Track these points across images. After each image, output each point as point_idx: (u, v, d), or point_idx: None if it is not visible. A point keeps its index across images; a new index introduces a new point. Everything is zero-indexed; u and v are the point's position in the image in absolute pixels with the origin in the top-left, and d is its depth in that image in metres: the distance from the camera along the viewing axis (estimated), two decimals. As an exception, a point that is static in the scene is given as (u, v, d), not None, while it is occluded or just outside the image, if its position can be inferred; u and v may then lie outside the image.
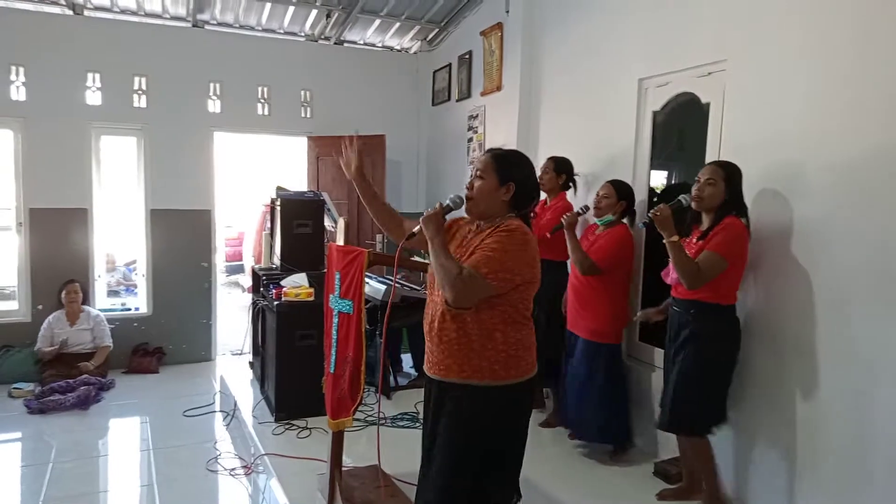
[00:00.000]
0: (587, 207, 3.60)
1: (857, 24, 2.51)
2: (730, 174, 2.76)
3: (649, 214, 2.73)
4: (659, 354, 3.48)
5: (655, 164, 3.70)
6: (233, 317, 7.05)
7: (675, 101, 3.51)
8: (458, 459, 1.98)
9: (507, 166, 2.05)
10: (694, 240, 2.85)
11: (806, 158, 2.70)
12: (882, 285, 2.42)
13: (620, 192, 3.45)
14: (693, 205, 2.82)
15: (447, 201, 2.06)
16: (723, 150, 3.10)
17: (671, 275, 2.87)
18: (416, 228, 2.05)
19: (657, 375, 3.45)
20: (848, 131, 2.54)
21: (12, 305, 5.37)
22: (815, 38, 2.67)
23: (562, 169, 3.86)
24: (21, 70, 5.04)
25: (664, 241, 2.71)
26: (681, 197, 2.85)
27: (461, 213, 2.13)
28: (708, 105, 3.25)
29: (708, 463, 2.92)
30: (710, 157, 3.22)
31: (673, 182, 3.85)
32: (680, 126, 3.58)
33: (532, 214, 2.19)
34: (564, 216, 3.47)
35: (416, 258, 3.87)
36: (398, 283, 4.55)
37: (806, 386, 2.71)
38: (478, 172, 2.06)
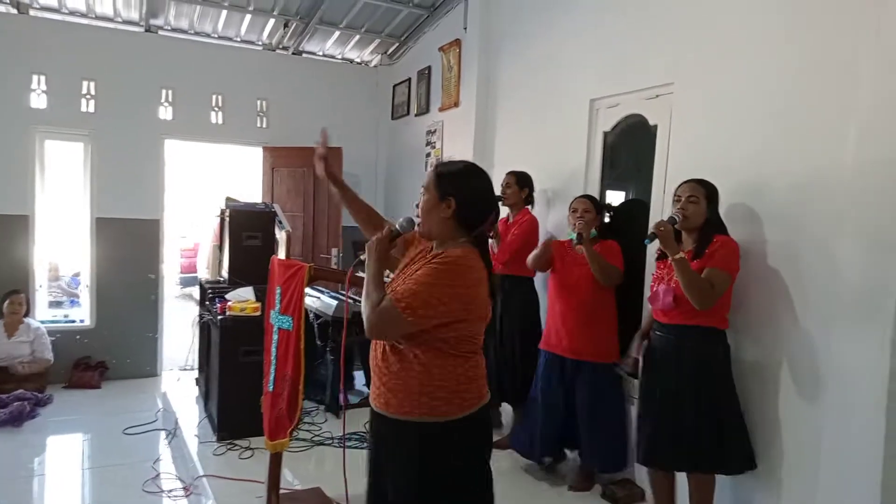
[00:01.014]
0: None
1: (804, 50, 2.57)
2: (710, 192, 2.70)
3: (652, 231, 2.63)
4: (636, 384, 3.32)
5: (607, 183, 3.72)
6: (185, 331, 6.84)
7: (625, 122, 3.55)
8: (416, 496, 1.84)
9: (447, 179, 1.86)
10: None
11: (756, 181, 2.73)
12: (857, 309, 2.39)
13: (597, 205, 3.38)
14: (678, 225, 2.70)
15: (396, 225, 1.92)
16: (669, 171, 3.14)
17: (663, 299, 2.70)
18: (363, 255, 1.92)
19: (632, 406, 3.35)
20: (798, 153, 2.58)
21: (-55, 316, 5.12)
22: (761, 63, 2.73)
23: (524, 183, 3.81)
24: (-40, 70, 4.85)
25: (670, 258, 2.59)
26: (673, 213, 2.72)
27: None
28: (655, 127, 3.29)
29: (710, 499, 2.73)
30: (657, 178, 3.26)
31: (624, 200, 3.88)
32: (630, 147, 3.62)
33: (491, 234, 2.01)
34: (578, 228, 3.27)
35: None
36: (350, 298, 4.48)
37: (791, 414, 2.65)
38: (422, 189, 1.90)
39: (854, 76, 2.37)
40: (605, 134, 3.65)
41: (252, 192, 6.08)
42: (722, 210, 2.78)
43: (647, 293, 3.19)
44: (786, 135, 2.63)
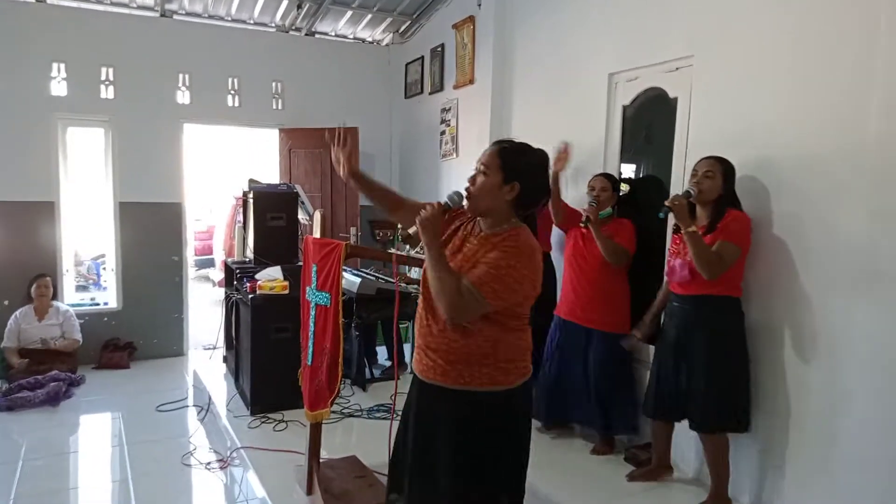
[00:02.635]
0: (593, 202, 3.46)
1: (824, 23, 2.60)
2: (727, 168, 2.79)
3: (666, 204, 2.72)
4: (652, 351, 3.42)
5: (625, 157, 3.77)
6: (203, 311, 6.98)
7: (644, 95, 3.59)
8: (467, 466, 1.91)
9: (514, 162, 1.86)
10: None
11: (773, 154, 2.79)
12: (858, 278, 2.49)
13: (614, 184, 3.48)
14: (693, 199, 2.81)
15: (445, 199, 1.94)
16: (690, 144, 3.19)
17: (679, 272, 2.83)
18: (413, 230, 1.93)
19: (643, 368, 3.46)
20: (814, 127, 2.63)
21: (-24, 301, 5.25)
22: (782, 35, 2.76)
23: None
24: (-18, 60, 4.92)
25: (682, 231, 2.70)
26: (689, 188, 2.82)
27: None
28: (675, 100, 3.33)
29: (725, 461, 2.86)
30: (677, 152, 3.31)
31: (641, 175, 3.93)
32: (649, 120, 3.66)
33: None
34: (586, 209, 3.41)
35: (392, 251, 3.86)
36: (373, 275, 4.57)
37: (799, 380, 2.74)
38: (481, 167, 1.88)
39: (873, 49, 2.41)
40: (625, 108, 3.69)
41: (268, 174, 6.14)
42: (738, 181, 2.85)
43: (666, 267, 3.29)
44: (804, 108, 2.68)
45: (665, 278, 3.11)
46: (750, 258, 2.83)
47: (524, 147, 1.94)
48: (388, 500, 2.14)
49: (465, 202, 1.95)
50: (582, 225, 3.41)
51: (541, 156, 1.99)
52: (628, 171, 3.86)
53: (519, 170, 1.86)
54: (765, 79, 2.83)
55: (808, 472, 2.70)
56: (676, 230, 2.91)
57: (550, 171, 3.42)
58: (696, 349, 2.82)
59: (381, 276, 4.64)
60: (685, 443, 3.15)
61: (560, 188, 3.69)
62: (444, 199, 1.97)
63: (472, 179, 1.90)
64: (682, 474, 3.21)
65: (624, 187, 3.69)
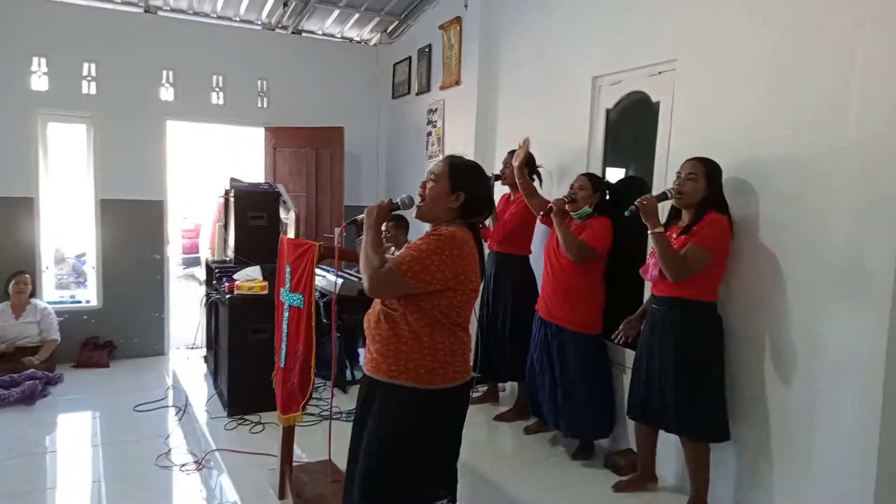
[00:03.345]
0: (567, 198, 3.44)
1: (805, 25, 2.59)
2: (710, 170, 2.74)
3: (636, 203, 2.70)
4: (627, 355, 3.42)
5: (609, 160, 3.75)
6: (189, 310, 6.92)
7: (627, 99, 3.57)
8: (383, 451, 2.01)
9: (462, 176, 2.07)
10: (674, 235, 2.81)
11: (756, 157, 2.76)
12: (842, 285, 2.46)
13: (596, 184, 3.43)
14: (673, 200, 2.79)
15: (397, 199, 2.11)
16: (672, 147, 3.18)
17: (651, 271, 2.82)
18: (360, 217, 2.11)
19: (624, 374, 3.43)
20: (798, 129, 2.60)
21: (-47, 297, 5.18)
22: (765, 39, 2.74)
23: (525, 162, 3.85)
24: (-39, 52, 4.85)
25: (649, 231, 2.68)
26: (667, 189, 2.79)
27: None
28: (658, 104, 3.32)
29: (705, 469, 2.81)
30: (659, 156, 3.29)
31: (629, 176, 3.91)
32: (632, 124, 3.64)
33: (480, 226, 2.20)
34: (553, 200, 3.38)
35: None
36: (354, 276, 4.54)
37: (780, 388, 2.71)
38: (432, 176, 2.08)
39: (853, 54, 2.40)
40: (608, 111, 3.67)
41: (253, 172, 6.11)
42: (728, 187, 2.81)
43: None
44: (786, 112, 2.66)
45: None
46: (732, 263, 2.80)
47: (471, 163, 2.16)
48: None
49: (415, 207, 2.11)
50: (542, 213, 3.45)
51: (484, 175, 2.19)
52: (613, 174, 3.84)
53: (465, 183, 2.06)
54: (747, 83, 2.81)
55: (789, 481, 2.68)
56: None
57: (514, 166, 3.60)
58: (665, 352, 2.80)
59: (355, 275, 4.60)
60: (665, 449, 3.12)
61: (527, 181, 3.66)
62: (397, 198, 2.14)
63: (423, 185, 2.10)
64: (664, 482, 3.16)
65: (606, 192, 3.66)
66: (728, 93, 2.90)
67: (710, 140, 2.94)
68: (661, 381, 2.83)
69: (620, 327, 3.16)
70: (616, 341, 3.18)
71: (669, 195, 2.77)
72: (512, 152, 3.87)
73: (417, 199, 2.11)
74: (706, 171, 2.74)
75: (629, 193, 3.63)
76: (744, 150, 2.82)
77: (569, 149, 3.88)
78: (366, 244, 2.00)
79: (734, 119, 2.87)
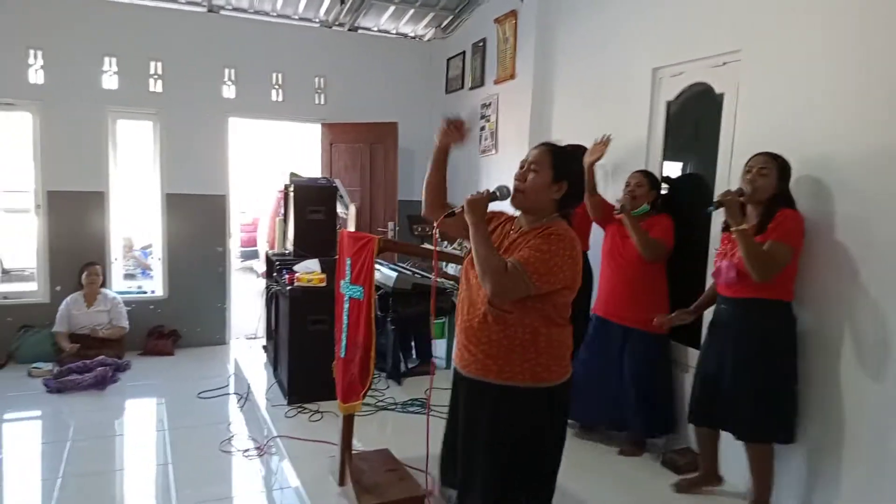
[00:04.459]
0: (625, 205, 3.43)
1: (875, 18, 2.49)
2: (782, 166, 2.66)
3: (716, 200, 2.63)
4: (691, 354, 3.39)
5: (668, 154, 3.68)
6: (247, 301, 7.13)
7: (690, 91, 3.50)
8: (502, 464, 1.95)
9: (565, 163, 1.99)
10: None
11: (829, 152, 2.67)
12: None
13: (652, 181, 3.41)
14: (744, 197, 2.68)
15: (494, 190, 2.00)
16: (736, 141, 3.10)
17: (726, 273, 2.70)
18: (458, 208, 2.00)
19: (686, 374, 3.39)
20: (867, 126, 2.51)
21: (31, 287, 5.48)
22: (833, 30, 2.65)
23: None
24: (39, 53, 5.09)
25: (733, 229, 2.59)
26: (741, 185, 2.70)
27: (501, 206, 2.08)
28: (722, 96, 3.24)
29: (770, 471, 2.76)
30: (723, 149, 3.21)
31: (687, 173, 3.83)
32: (694, 116, 3.57)
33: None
34: (621, 203, 3.37)
35: (425, 246, 3.86)
36: (409, 269, 4.58)
37: (854, 388, 2.62)
38: (532, 165, 1.98)
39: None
40: (668, 104, 3.60)
41: (308, 167, 6.23)
42: (791, 182, 2.72)
43: (708, 267, 3.20)
44: (859, 105, 2.55)
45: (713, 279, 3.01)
46: (805, 261, 2.71)
47: (572, 151, 2.11)
48: (444, 496, 2.20)
49: (512, 196, 2.01)
50: (616, 213, 3.37)
51: (581, 162, 2.12)
52: (672, 169, 3.77)
53: (568, 170, 1.98)
54: (819, 73, 2.71)
55: (858, 482, 2.59)
56: (725, 229, 2.78)
57: (587, 162, 3.46)
58: (740, 354, 2.71)
59: (417, 270, 4.64)
60: (730, 449, 3.03)
61: (596, 182, 3.63)
62: (493, 188, 2.02)
63: (522, 176, 1.99)
64: (731, 486, 3.07)
65: (664, 186, 3.60)
66: (797, 83, 2.81)
67: (779, 133, 2.85)
68: (729, 381, 2.74)
69: (672, 314, 3.12)
70: (656, 322, 3.15)
71: (745, 190, 2.67)
72: (572, 146, 3.84)
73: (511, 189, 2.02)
74: (778, 167, 2.65)
75: (688, 191, 3.58)
76: (815, 144, 2.72)
77: (626, 143, 3.82)
78: (477, 243, 1.89)
79: (804, 111, 2.77)
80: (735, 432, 2.79)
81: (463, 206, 1.96)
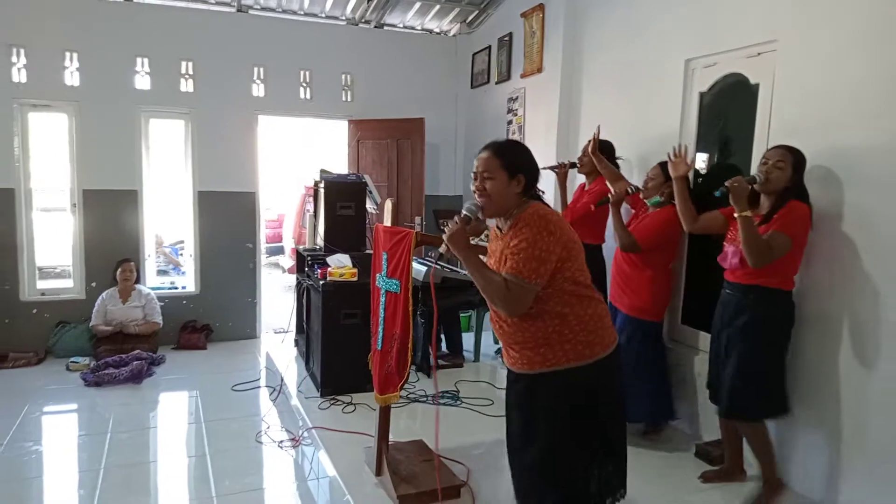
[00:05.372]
0: (637, 188, 3.53)
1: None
2: (798, 160, 2.72)
3: (726, 185, 2.68)
4: (703, 338, 3.48)
5: (701, 146, 3.66)
6: (273, 296, 7.22)
7: (723, 81, 3.46)
8: (560, 445, 1.98)
9: (513, 158, 2.02)
10: (755, 223, 2.76)
11: (860, 144, 2.66)
12: None
13: (668, 173, 3.40)
14: (757, 186, 2.76)
15: (464, 212, 2.04)
16: (772, 132, 3.06)
17: (730, 259, 2.82)
18: (443, 248, 2.06)
19: (700, 359, 3.44)
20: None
21: (68, 283, 5.60)
22: (870, 21, 2.61)
23: (602, 151, 3.79)
24: (75, 56, 5.20)
25: (736, 214, 2.66)
26: (756, 174, 2.76)
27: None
28: (757, 86, 3.21)
29: (766, 447, 2.87)
30: (758, 140, 3.18)
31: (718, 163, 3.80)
32: (727, 108, 3.53)
33: (541, 192, 2.14)
34: (611, 193, 3.48)
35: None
36: (439, 265, 4.60)
37: (857, 373, 2.69)
38: (485, 174, 2.01)
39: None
40: (702, 95, 3.57)
41: (334, 163, 6.27)
42: (824, 173, 2.77)
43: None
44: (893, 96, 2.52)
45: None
46: (812, 251, 2.80)
47: (510, 143, 2.12)
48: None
49: (481, 210, 2.05)
50: (593, 206, 3.66)
51: (522, 145, 2.19)
52: (705, 160, 3.73)
53: (518, 163, 2.02)
54: (855, 62, 2.68)
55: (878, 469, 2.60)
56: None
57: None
58: (734, 336, 2.82)
59: (447, 265, 4.66)
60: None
61: (609, 166, 3.71)
62: (463, 212, 2.06)
63: (481, 187, 2.02)
64: (752, 477, 3.08)
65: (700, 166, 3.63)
66: (832, 76, 2.78)
67: (814, 124, 2.83)
68: (724, 362, 2.88)
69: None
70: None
71: (759, 179, 2.74)
72: (604, 141, 3.86)
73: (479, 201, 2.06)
74: (794, 161, 2.72)
75: (721, 182, 3.54)
76: (850, 135, 2.70)
77: (658, 134, 3.80)
78: (472, 272, 1.97)
79: (838, 104, 2.75)
80: (720, 409, 2.93)
81: (446, 245, 2.02)
